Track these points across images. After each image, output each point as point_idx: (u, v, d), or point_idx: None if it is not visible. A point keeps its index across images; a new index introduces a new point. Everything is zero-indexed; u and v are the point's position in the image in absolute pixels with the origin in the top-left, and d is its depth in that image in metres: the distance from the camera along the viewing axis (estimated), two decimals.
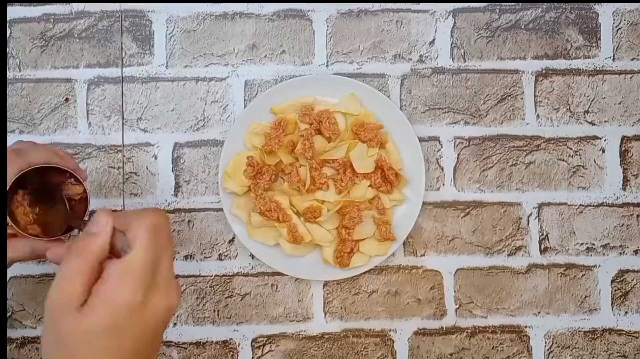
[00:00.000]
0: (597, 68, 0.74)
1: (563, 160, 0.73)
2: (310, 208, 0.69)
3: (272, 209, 0.69)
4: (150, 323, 0.43)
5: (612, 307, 0.73)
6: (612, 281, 0.73)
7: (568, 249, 0.73)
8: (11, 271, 0.73)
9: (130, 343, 0.42)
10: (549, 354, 0.73)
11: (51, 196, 0.57)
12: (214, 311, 0.73)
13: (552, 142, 0.73)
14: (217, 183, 0.71)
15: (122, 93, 0.74)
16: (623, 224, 0.73)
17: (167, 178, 0.73)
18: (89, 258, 0.42)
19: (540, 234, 0.73)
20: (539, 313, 0.73)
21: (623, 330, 0.73)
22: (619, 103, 0.74)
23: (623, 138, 0.74)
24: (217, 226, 0.73)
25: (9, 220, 0.54)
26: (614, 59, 0.74)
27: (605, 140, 0.74)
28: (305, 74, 0.73)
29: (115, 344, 0.41)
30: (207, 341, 0.73)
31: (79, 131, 0.74)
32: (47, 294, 0.41)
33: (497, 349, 0.73)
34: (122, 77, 0.74)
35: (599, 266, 0.73)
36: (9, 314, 0.73)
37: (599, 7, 0.74)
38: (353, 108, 0.71)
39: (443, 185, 0.73)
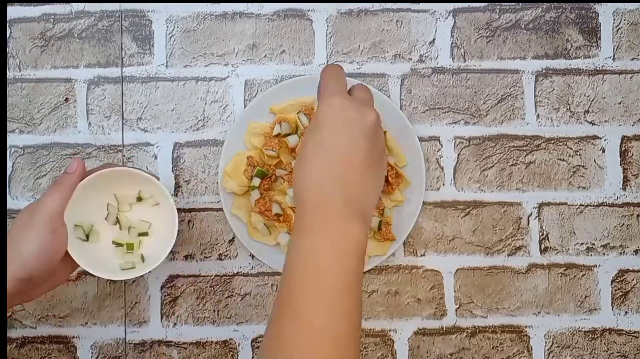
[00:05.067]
0: (597, 68, 0.74)
1: (563, 160, 0.73)
2: None
3: (272, 209, 0.69)
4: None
5: (612, 307, 0.73)
6: (612, 281, 0.73)
7: (568, 249, 0.73)
8: None
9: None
10: (549, 354, 0.73)
11: None
12: (214, 311, 0.73)
13: (552, 141, 0.73)
14: (217, 183, 0.71)
15: (122, 93, 0.74)
16: (623, 224, 0.73)
17: (167, 178, 0.73)
18: None
19: (540, 234, 0.73)
20: (539, 313, 0.73)
21: (623, 330, 0.73)
22: (619, 103, 0.74)
23: (623, 138, 0.74)
24: (217, 226, 0.73)
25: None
26: (614, 59, 0.74)
27: (605, 140, 0.74)
28: (305, 74, 0.73)
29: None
30: (207, 341, 0.73)
31: (79, 131, 0.74)
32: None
33: (497, 349, 0.73)
34: (122, 77, 0.74)
35: (599, 266, 0.73)
36: (9, 314, 0.73)
37: (599, 7, 0.74)
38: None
39: (443, 185, 0.73)
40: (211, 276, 0.73)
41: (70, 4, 0.74)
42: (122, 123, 0.74)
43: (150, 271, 0.63)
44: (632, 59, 0.74)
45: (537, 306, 0.73)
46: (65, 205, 0.58)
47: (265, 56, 0.74)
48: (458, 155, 0.73)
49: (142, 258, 0.64)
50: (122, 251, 0.65)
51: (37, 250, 0.55)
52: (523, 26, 0.74)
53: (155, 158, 0.73)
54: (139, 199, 0.65)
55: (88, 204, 0.62)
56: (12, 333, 0.73)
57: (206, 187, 0.73)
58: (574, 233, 0.73)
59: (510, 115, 0.74)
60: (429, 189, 0.73)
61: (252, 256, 0.72)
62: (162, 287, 0.73)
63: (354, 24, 0.74)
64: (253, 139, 0.71)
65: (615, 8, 0.74)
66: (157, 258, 0.62)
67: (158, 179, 0.62)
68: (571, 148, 0.73)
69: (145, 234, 0.65)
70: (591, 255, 0.73)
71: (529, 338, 0.73)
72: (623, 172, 0.73)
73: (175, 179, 0.73)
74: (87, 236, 0.63)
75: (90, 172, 0.61)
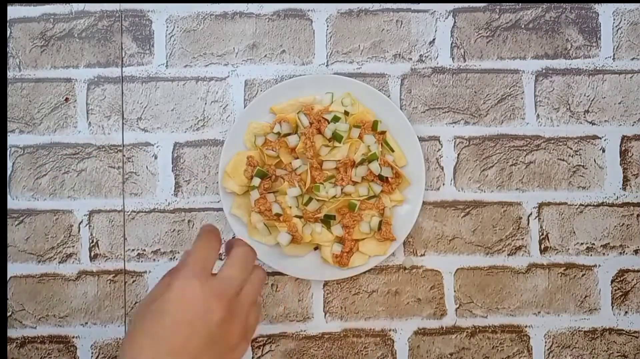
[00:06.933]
0: (597, 68, 0.74)
1: (563, 160, 0.73)
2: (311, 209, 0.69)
3: (272, 209, 0.69)
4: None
5: (612, 307, 0.73)
6: (612, 281, 0.73)
7: (568, 249, 0.73)
8: (11, 271, 0.73)
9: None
10: (549, 354, 0.73)
11: None
12: None
13: (552, 141, 0.73)
14: (217, 183, 0.71)
15: (122, 93, 0.74)
16: (623, 224, 0.73)
17: (167, 178, 0.73)
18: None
19: (540, 234, 0.73)
20: (539, 312, 0.73)
21: (623, 330, 0.73)
22: (619, 103, 0.74)
23: (623, 138, 0.74)
24: (217, 226, 0.73)
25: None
26: (614, 59, 0.74)
27: (605, 140, 0.74)
28: (305, 74, 0.73)
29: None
30: None
31: (79, 131, 0.74)
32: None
33: (497, 349, 0.73)
34: (122, 77, 0.74)
35: (599, 266, 0.73)
36: (9, 314, 0.73)
37: (599, 7, 0.74)
38: (350, 108, 0.71)
39: (443, 184, 0.73)
40: None
41: (70, 4, 0.74)
42: (122, 123, 0.74)
43: None
44: (632, 59, 0.74)
45: (537, 306, 0.73)
46: None
47: (265, 56, 0.74)
48: (458, 155, 0.73)
49: None
50: None
51: None
52: (523, 26, 0.74)
53: (155, 158, 0.73)
54: None
55: None
56: (12, 333, 0.73)
57: (206, 187, 0.73)
58: (574, 233, 0.73)
59: (510, 115, 0.74)
60: (429, 189, 0.73)
61: None
62: None
63: (354, 24, 0.74)
64: (253, 139, 0.71)
65: (615, 8, 0.74)
66: None
67: None
68: (571, 148, 0.73)
69: None
70: (591, 255, 0.73)
71: (529, 338, 0.73)
72: (623, 172, 0.73)
73: (175, 179, 0.73)
74: None
75: None
